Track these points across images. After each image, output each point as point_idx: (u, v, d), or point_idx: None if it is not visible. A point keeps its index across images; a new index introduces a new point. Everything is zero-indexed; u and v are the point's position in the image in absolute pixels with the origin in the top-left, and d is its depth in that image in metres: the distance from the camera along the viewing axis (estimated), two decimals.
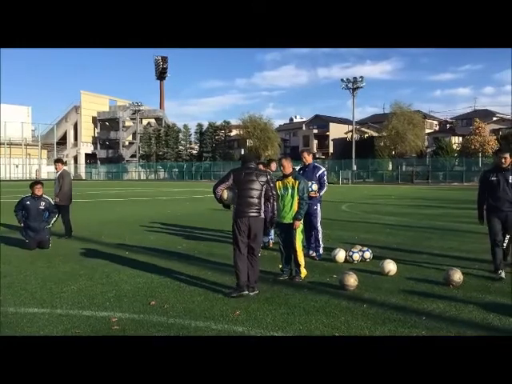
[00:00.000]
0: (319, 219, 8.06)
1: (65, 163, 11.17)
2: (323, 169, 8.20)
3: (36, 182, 9.46)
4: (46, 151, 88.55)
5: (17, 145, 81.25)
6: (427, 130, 69.80)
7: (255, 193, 5.74)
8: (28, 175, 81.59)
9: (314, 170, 8.02)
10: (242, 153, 73.64)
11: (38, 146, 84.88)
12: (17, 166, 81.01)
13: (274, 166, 9.24)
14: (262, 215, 5.79)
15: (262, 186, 5.79)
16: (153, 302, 5.38)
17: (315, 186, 7.71)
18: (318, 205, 8.02)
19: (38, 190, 9.28)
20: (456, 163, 58.03)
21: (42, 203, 9.26)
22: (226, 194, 5.83)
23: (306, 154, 8.24)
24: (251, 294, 5.68)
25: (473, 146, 56.91)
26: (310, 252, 7.96)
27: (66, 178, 10.64)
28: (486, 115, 66.17)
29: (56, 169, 10.88)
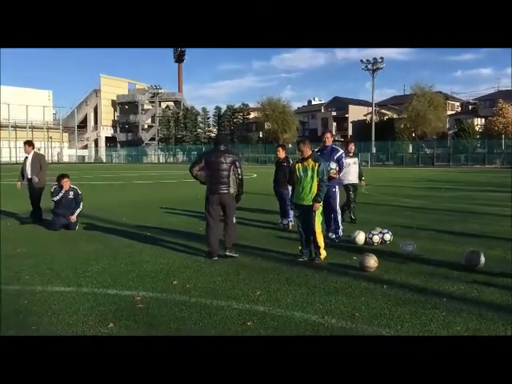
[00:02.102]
0: (338, 201, 8.06)
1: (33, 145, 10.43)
2: (341, 151, 8.18)
3: (63, 176, 9.53)
4: (67, 134, 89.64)
5: (39, 128, 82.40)
6: (449, 112, 68.53)
7: (224, 173, 6.61)
8: (50, 158, 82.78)
9: (332, 153, 7.99)
10: (260, 136, 73.55)
11: (59, 129, 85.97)
12: (39, 150, 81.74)
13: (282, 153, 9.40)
14: (231, 191, 6.72)
15: (230, 166, 6.66)
16: (175, 282, 5.48)
17: (334, 165, 7.69)
18: (337, 187, 8.02)
19: (66, 184, 9.45)
20: (478, 145, 56.96)
21: (71, 192, 9.48)
22: (200, 175, 6.75)
23: (329, 135, 8.29)
24: (229, 254, 6.64)
25: (496, 128, 55.77)
26: (330, 234, 7.98)
27: (43, 161, 10.49)
28: (510, 96, 64.57)
29: (26, 151, 10.34)
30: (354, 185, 10.20)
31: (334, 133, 71.44)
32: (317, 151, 8.25)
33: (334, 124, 76.10)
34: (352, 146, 10.25)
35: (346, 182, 9.80)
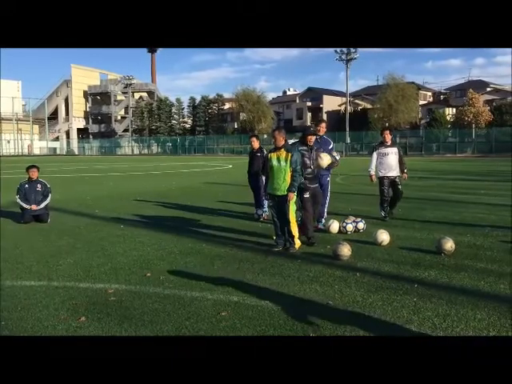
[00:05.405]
0: (329, 190, 8.33)
1: None
2: (332, 144, 8.43)
3: (31, 166, 9.37)
4: (37, 126, 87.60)
5: (8, 120, 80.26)
6: (421, 102, 69.43)
7: None
8: (20, 151, 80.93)
9: (327, 143, 8.16)
10: (236, 126, 73.32)
11: (29, 121, 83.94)
12: (8, 142, 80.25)
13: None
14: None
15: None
16: (148, 274, 5.43)
17: (338, 156, 8.07)
18: (330, 176, 8.32)
19: (33, 174, 9.28)
20: (449, 134, 57.98)
21: (39, 185, 9.31)
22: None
23: (324, 125, 8.34)
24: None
25: (466, 117, 56.77)
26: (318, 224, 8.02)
27: None
28: (480, 86, 65.78)
29: None
30: (391, 178, 8.82)
31: (310, 123, 71.75)
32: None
33: (309, 114, 76.30)
34: (387, 134, 8.87)
35: (381, 175, 8.85)
